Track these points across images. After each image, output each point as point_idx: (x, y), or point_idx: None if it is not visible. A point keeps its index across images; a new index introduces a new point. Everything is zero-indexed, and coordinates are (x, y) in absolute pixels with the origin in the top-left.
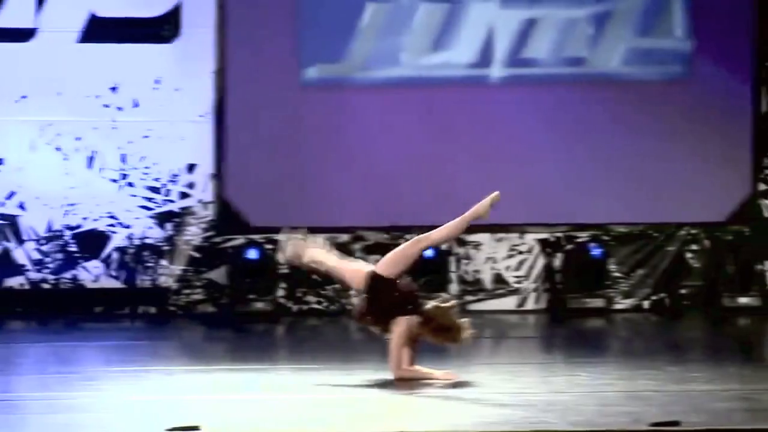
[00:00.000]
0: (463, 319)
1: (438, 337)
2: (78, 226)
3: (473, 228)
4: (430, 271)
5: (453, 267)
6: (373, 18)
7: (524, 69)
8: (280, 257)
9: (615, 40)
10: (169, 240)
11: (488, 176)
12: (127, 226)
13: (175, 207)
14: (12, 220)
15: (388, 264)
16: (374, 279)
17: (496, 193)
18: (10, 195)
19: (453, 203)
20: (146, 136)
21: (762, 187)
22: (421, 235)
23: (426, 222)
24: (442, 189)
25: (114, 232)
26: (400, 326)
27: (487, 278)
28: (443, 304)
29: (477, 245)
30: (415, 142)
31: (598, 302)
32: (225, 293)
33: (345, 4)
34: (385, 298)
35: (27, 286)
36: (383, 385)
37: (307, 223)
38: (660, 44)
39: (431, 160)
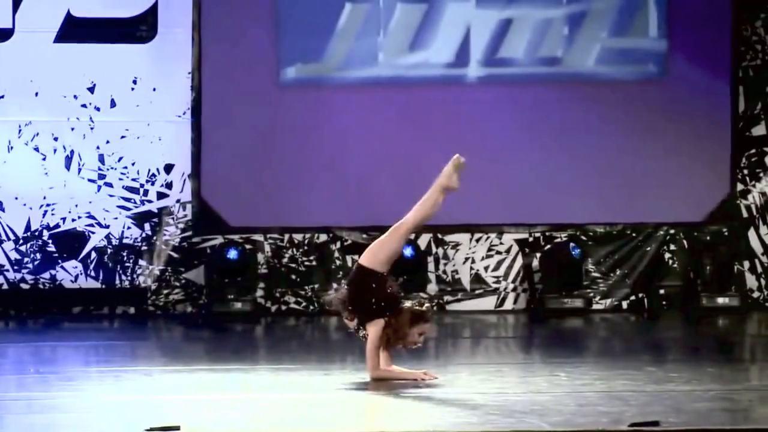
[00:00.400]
0: (422, 326)
1: (389, 329)
2: (56, 226)
3: (451, 228)
4: (409, 270)
5: (432, 267)
6: (350, 18)
7: (501, 68)
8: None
9: (590, 40)
10: (148, 240)
11: (466, 175)
12: (106, 227)
13: (153, 207)
14: None
15: (373, 255)
16: (362, 272)
17: (456, 156)
18: None
19: None
20: (124, 136)
21: (740, 187)
22: (398, 223)
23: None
24: (419, 188)
25: (92, 233)
26: (376, 327)
27: (465, 278)
28: (416, 308)
29: (456, 245)
30: (393, 141)
31: (576, 302)
32: (203, 293)
33: (323, 4)
34: (369, 295)
35: (5, 286)
36: (362, 385)
37: (285, 223)
38: (635, 44)
39: (408, 159)
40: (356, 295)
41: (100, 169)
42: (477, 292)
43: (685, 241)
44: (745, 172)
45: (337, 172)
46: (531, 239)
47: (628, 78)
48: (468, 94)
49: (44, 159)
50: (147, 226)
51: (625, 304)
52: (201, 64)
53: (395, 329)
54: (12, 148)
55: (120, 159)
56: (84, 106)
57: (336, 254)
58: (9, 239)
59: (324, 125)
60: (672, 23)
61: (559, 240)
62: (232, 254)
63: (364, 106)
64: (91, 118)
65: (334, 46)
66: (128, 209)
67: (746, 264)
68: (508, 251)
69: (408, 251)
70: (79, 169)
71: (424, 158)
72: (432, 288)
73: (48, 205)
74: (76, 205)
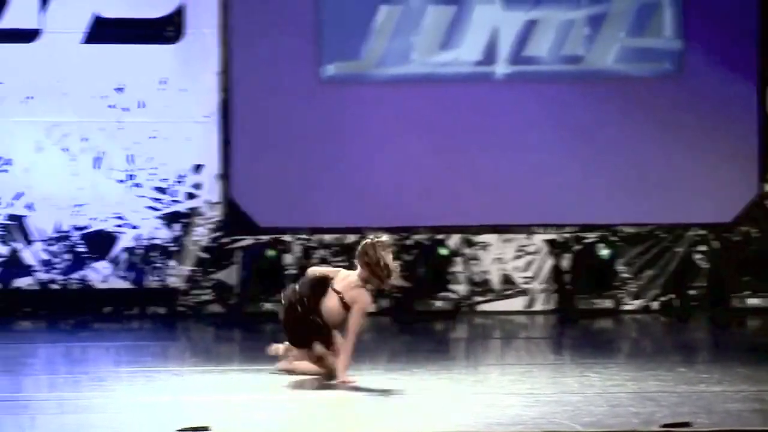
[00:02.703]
0: (394, 261)
1: (367, 276)
2: (86, 227)
3: (480, 229)
4: (435, 272)
5: (461, 267)
6: (386, 19)
7: (526, 66)
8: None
9: (609, 39)
10: (177, 240)
11: (494, 174)
12: (135, 227)
13: (182, 208)
14: (20, 221)
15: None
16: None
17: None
18: (18, 196)
19: (460, 201)
20: (152, 137)
21: None
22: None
23: (433, 221)
24: (449, 187)
25: (122, 233)
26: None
27: (495, 279)
28: (377, 240)
29: (485, 246)
30: (422, 140)
31: (606, 303)
32: (234, 294)
33: (360, 5)
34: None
35: (36, 287)
36: (392, 385)
37: (315, 223)
38: (651, 43)
39: (438, 158)
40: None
41: (129, 169)
42: (507, 292)
43: (714, 242)
44: None
45: (367, 172)
46: (561, 240)
47: (646, 75)
48: (496, 91)
49: (73, 160)
50: (176, 226)
51: (655, 305)
52: (229, 64)
53: (374, 271)
54: (41, 149)
55: (149, 160)
56: (112, 106)
57: None
58: (39, 240)
59: (352, 125)
60: (687, 23)
61: (588, 240)
62: (270, 254)
63: (394, 104)
64: (119, 118)
65: (371, 45)
66: (157, 210)
67: None
68: (537, 252)
69: (444, 251)
70: (108, 170)
71: (453, 156)
72: (461, 288)
73: (77, 205)
74: (106, 206)
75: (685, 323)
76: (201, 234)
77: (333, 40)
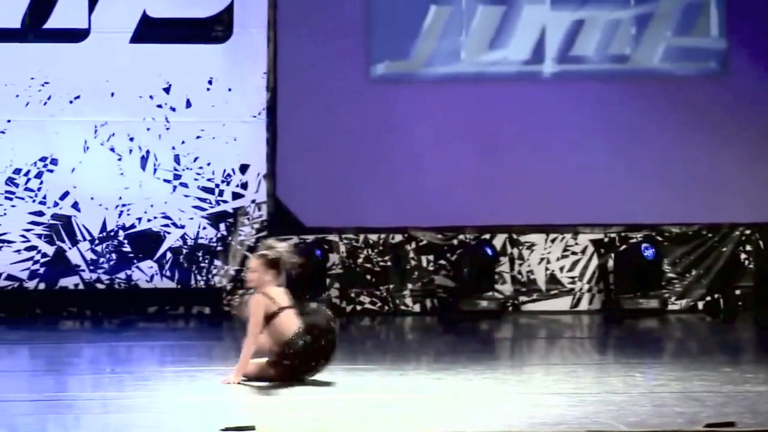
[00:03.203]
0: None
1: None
2: (132, 227)
3: (526, 229)
4: (483, 271)
5: (506, 267)
6: (435, 19)
7: (573, 65)
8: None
9: (655, 39)
10: (223, 240)
11: (540, 173)
12: (181, 227)
13: (228, 207)
14: (66, 221)
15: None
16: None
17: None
18: (65, 195)
19: (506, 200)
20: (199, 137)
21: None
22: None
23: (479, 220)
24: (495, 186)
25: (168, 233)
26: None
27: (540, 279)
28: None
29: (531, 246)
30: (469, 140)
31: (652, 303)
32: None
33: (410, 5)
34: None
35: (81, 286)
36: (437, 385)
37: (360, 223)
38: (697, 43)
39: (484, 158)
40: None
41: (175, 169)
42: (552, 292)
43: (760, 242)
44: None
45: (414, 171)
46: (606, 239)
47: (691, 75)
48: (543, 90)
49: (120, 159)
50: (222, 226)
51: (700, 305)
52: (277, 63)
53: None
54: (88, 148)
55: (195, 159)
56: (159, 106)
57: (411, 255)
58: (85, 239)
59: (404, 122)
60: (733, 23)
61: (634, 240)
62: (317, 254)
63: (444, 102)
64: (166, 118)
65: (421, 45)
66: (203, 209)
67: None
68: (583, 251)
69: (489, 251)
70: (155, 170)
71: (499, 156)
72: (507, 288)
73: (123, 205)
74: (152, 206)
75: (730, 323)
76: (247, 234)
77: (382, 40)
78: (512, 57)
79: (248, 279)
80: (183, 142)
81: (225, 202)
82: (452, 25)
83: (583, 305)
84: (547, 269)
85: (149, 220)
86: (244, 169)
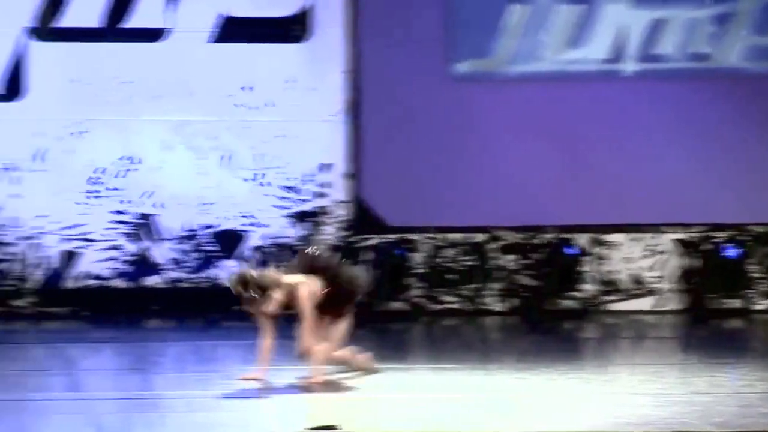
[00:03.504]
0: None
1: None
2: (214, 226)
3: (609, 228)
4: (563, 271)
5: (589, 267)
6: (517, 17)
7: (653, 64)
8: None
9: (734, 37)
10: (305, 239)
11: (622, 172)
12: (263, 226)
13: (309, 206)
14: (149, 220)
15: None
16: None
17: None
18: (147, 194)
19: (588, 200)
20: (279, 136)
21: None
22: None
23: (561, 220)
24: (577, 185)
25: (250, 232)
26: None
27: (623, 278)
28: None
29: (613, 245)
30: (551, 138)
31: (736, 303)
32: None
33: (492, 4)
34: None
35: (164, 285)
36: (521, 384)
37: (443, 222)
38: None
39: (566, 156)
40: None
41: (256, 168)
42: (635, 292)
43: None
44: None
45: (496, 170)
46: (690, 239)
47: None
48: (623, 89)
49: (201, 159)
50: (304, 225)
51: None
52: (357, 62)
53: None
54: (169, 147)
55: (276, 158)
56: (240, 105)
57: (493, 254)
58: (168, 238)
59: (486, 121)
60: None
61: (718, 240)
62: (398, 253)
63: (526, 100)
64: (247, 117)
65: (503, 43)
66: (285, 208)
67: None
68: (666, 251)
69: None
70: (236, 169)
71: (581, 154)
72: (590, 288)
73: (205, 204)
74: (233, 205)
75: None
76: (329, 233)
77: (465, 38)
78: (592, 55)
79: (274, 307)
80: (264, 142)
81: (307, 201)
82: (534, 24)
83: (667, 305)
84: (630, 269)
85: (231, 219)
86: (325, 168)
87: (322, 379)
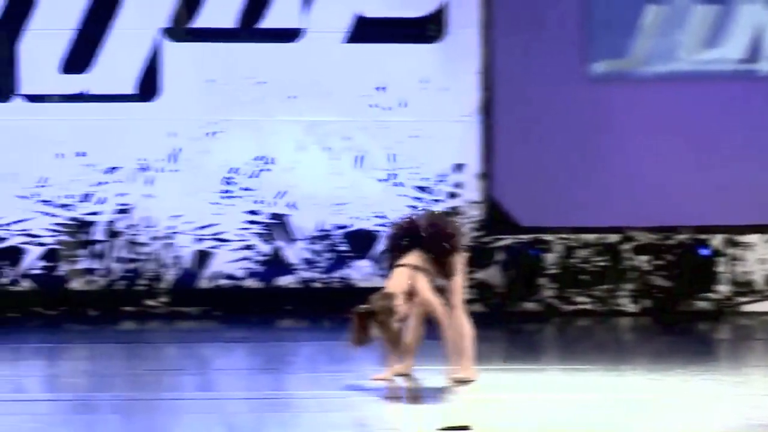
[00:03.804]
0: None
1: None
2: (347, 226)
3: (744, 229)
4: (697, 272)
5: (723, 268)
6: (654, 18)
7: None
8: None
9: None
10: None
11: (756, 172)
12: None
13: (442, 207)
14: (282, 220)
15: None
16: None
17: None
18: (281, 195)
19: (722, 200)
20: (414, 136)
21: None
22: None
23: (695, 220)
24: (713, 186)
25: (382, 232)
26: None
27: (758, 279)
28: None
29: (749, 246)
30: (685, 138)
31: None
32: (496, 293)
33: (629, 4)
34: None
35: (298, 285)
36: (654, 385)
37: (576, 223)
38: None
39: (700, 156)
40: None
41: (389, 168)
42: None
43: None
44: None
45: (630, 170)
46: None
47: None
48: (760, 88)
49: (334, 159)
50: None
51: None
52: (491, 62)
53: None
54: (303, 148)
55: (409, 159)
56: (374, 106)
57: (627, 254)
58: (301, 238)
59: (620, 121)
60: None
61: None
62: (532, 253)
63: (661, 101)
64: (381, 117)
65: (639, 44)
66: (418, 209)
67: None
68: None
69: (705, 251)
70: (369, 169)
71: (715, 154)
72: (724, 289)
73: (338, 204)
74: (366, 205)
75: None
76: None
77: (601, 38)
78: (728, 55)
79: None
80: (398, 142)
81: (440, 201)
82: (670, 24)
83: None
84: (765, 270)
85: (364, 220)
86: (458, 168)
87: (470, 373)
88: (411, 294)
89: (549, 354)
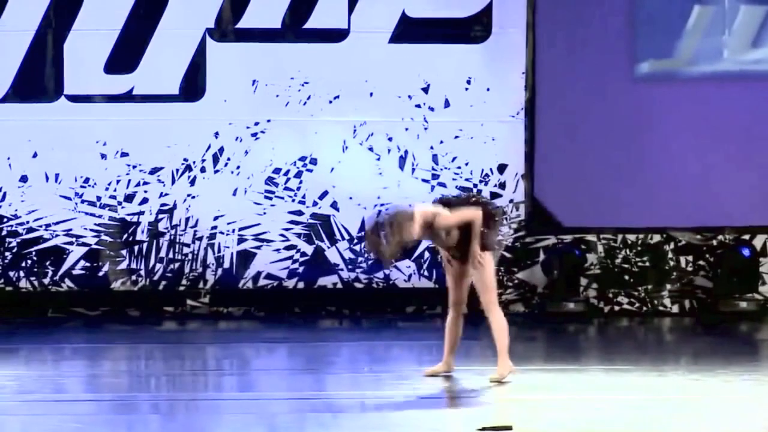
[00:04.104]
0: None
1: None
2: None
3: None
4: (740, 272)
5: (765, 268)
6: (699, 18)
7: None
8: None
9: None
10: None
11: None
12: None
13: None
14: (325, 220)
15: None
16: None
17: None
18: (324, 195)
19: (766, 201)
20: (457, 137)
21: None
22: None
23: (738, 221)
24: (754, 186)
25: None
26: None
27: None
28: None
29: None
30: (729, 139)
31: None
32: (538, 293)
33: (674, 5)
34: None
35: (340, 286)
36: (695, 386)
37: (618, 223)
38: None
39: (743, 157)
40: None
41: (433, 169)
42: None
43: None
44: None
45: (673, 170)
46: None
47: None
48: None
49: (378, 159)
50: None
51: None
52: (535, 63)
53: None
54: (347, 148)
55: (453, 159)
56: (418, 106)
57: (670, 255)
58: (344, 239)
59: (664, 121)
60: None
61: None
62: (575, 253)
63: (705, 101)
64: (425, 117)
65: (684, 44)
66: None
67: None
68: None
69: (746, 251)
70: (413, 169)
71: (759, 156)
72: (766, 290)
73: (382, 204)
74: (410, 205)
75: None
76: (505, 233)
77: (647, 38)
78: None
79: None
80: (441, 142)
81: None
82: (715, 24)
83: None
84: None
85: None
86: (502, 168)
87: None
88: (430, 226)
89: (590, 354)
